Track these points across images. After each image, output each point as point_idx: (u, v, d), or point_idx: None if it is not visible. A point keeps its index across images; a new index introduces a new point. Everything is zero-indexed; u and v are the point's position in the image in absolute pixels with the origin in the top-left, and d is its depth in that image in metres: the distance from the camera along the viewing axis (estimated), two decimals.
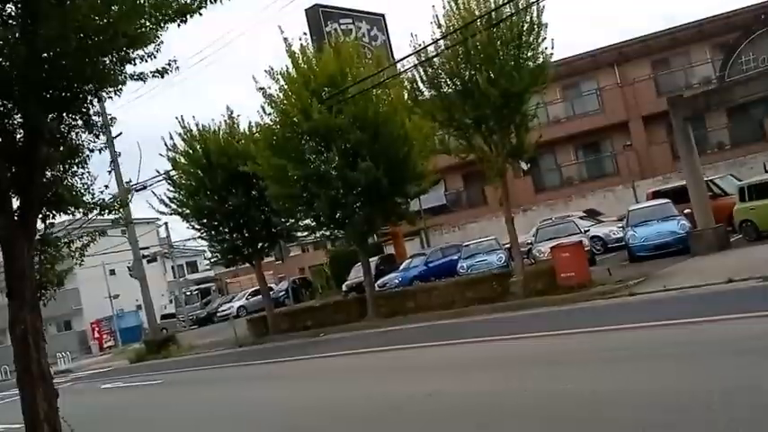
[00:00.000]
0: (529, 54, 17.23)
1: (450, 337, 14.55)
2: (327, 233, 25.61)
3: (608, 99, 35.37)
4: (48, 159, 6.18)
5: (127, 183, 7.11)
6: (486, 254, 24.34)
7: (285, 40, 21.11)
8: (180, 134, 24.81)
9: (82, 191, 6.59)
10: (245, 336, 27.20)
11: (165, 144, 24.89)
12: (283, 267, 49.87)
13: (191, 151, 24.75)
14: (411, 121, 20.05)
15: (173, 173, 25.33)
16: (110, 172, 6.65)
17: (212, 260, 30.28)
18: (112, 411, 16.08)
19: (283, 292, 39.63)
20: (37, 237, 6.49)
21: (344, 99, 19.87)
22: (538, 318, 14.87)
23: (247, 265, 50.72)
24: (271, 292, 42.98)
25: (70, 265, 7.38)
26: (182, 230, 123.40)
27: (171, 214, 25.77)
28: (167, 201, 25.40)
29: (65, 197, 6.34)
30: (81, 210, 6.64)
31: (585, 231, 23.60)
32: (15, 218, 6.20)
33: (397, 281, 26.16)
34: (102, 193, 6.71)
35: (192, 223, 26.31)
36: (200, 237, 27.19)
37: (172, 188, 25.39)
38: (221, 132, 24.84)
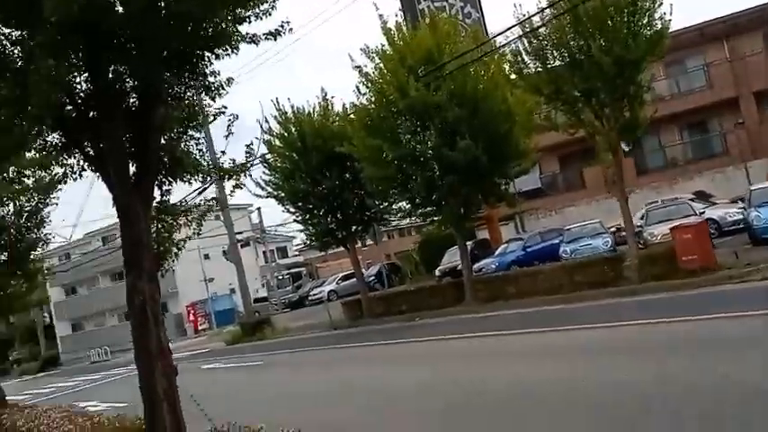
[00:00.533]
0: (644, 21, 15.98)
1: (557, 323, 13.69)
2: (422, 216, 25.05)
3: (716, 75, 33.10)
4: (164, 121, 5.80)
5: (248, 146, 6.61)
6: (590, 238, 23.08)
7: (380, 17, 20.60)
8: (275, 116, 24.75)
9: (197, 157, 6.21)
10: (339, 319, 27.06)
11: (261, 127, 24.90)
12: (370, 253, 49.85)
13: (285, 134, 24.66)
14: (513, 96, 19.13)
15: (268, 156, 25.31)
16: (226, 136, 6.22)
17: (307, 243, 30.19)
18: (220, 391, 15.93)
19: (373, 277, 39.36)
20: (153, 204, 6.14)
21: (442, 75, 19.17)
22: (657, 303, 13.78)
23: (337, 250, 51.05)
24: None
25: (188, 234, 7.06)
26: (273, 216, 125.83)
27: (267, 197, 25.81)
28: (263, 184, 25.45)
29: (183, 161, 5.97)
30: (199, 175, 6.27)
31: (700, 214, 21.98)
32: (132, 184, 5.86)
33: (493, 266, 25.27)
34: (219, 159, 6.31)
35: (287, 206, 26.29)
36: (294, 220, 27.13)
37: (267, 171, 25.40)
38: (316, 114, 24.60)
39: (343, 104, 24.49)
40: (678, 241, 15.92)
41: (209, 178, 6.51)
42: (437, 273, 29.35)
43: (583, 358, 9.95)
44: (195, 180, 6.40)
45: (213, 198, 7.26)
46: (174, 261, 6.51)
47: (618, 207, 17.93)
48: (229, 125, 6.42)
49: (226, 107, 6.61)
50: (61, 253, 52.10)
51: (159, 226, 6.23)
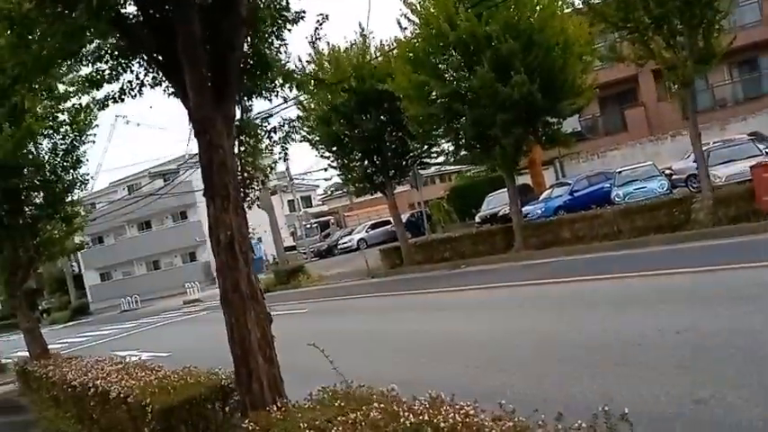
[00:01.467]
0: None
1: (629, 268, 12.65)
2: (461, 161, 23.94)
3: None
4: (252, 14, 4.73)
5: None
6: (644, 181, 21.90)
7: None
8: (309, 54, 23.47)
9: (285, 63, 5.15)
10: (376, 267, 26.26)
11: (295, 67, 23.60)
12: (397, 202, 48.95)
13: (321, 74, 23.38)
14: (571, 27, 17.75)
15: (302, 97, 24.12)
16: (313, 42, 5.17)
17: (329, 193, 29.21)
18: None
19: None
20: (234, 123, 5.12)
21: (494, 5, 17.80)
22: (736, 246, 12.67)
23: (363, 198, 50.10)
24: (389, 226, 42.26)
25: (274, 159, 6.07)
26: (296, 164, 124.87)
27: (301, 141, 24.71)
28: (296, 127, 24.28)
29: (272, 65, 4.91)
30: (287, 85, 5.22)
31: (766, 154, 20.64)
32: (211, 93, 4.83)
33: (539, 211, 24.15)
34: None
35: (322, 151, 25.21)
36: (329, 165, 26.05)
37: (301, 113, 24.23)
38: (353, 52, 23.27)
39: (381, 42, 23.23)
40: (758, 180, 14.71)
41: (294, 91, 5.45)
42: (477, 219, 28.32)
43: (674, 304, 8.93)
44: (281, 92, 5.35)
45: (298, 117, 6.21)
46: (260, 190, 5.53)
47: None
48: (317, 28, 5.34)
49: (305, 11, 5.53)
50: (87, 202, 51.70)
51: (241, 149, 5.22)
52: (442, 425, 3.26)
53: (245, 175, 5.26)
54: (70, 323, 46.39)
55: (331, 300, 20.87)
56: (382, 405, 3.72)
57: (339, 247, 43.57)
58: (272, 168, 5.87)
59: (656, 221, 16.56)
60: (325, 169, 71.56)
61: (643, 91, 35.23)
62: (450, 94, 19.33)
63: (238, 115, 5.26)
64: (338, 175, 26.88)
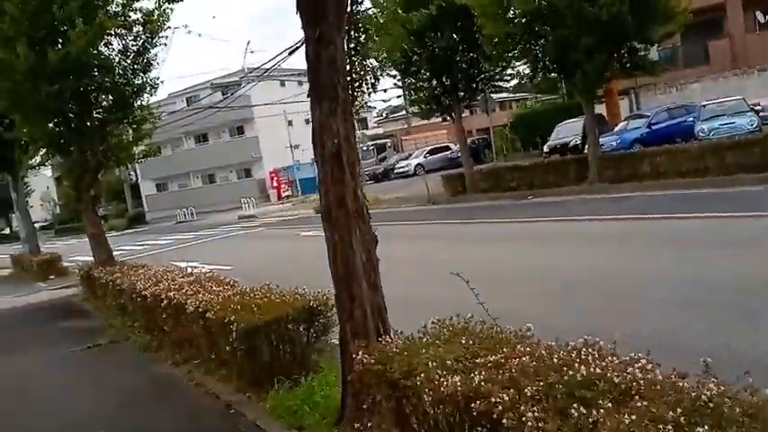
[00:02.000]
0: None
1: (720, 207, 11.73)
2: (538, 85, 22.73)
3: None
4: None
5: None
6: (731, 116, 20.47)
7: None
8: None
9: None
10: (437, 193, 25.61)
11: None
12: (454, 129, 47.65)
13: None
14: None
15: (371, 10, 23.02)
16: None
17: (402, 112, 28.31)
18: None
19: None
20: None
21: None
22: None
23: (421, 123, 48.98)
24: (448, 152, 41.38)
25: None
26: None
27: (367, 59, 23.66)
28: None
29: None
30: None
31: None
32: None
33: (614, 143, 22.95)
34: None
35: (388, 70, 24.21)
36: (395, 85, 25.10)
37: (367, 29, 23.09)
38: None
39: None
40: None
41: None
42: (545, 149, 27.24)
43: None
44: None
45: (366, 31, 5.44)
46: (369, 94, 4.91)
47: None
48: None
49: None
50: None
51: (351, 45, 4.55)
52: (616, 380, 2.67)
53: (354, 75, 4.61)
54: (127, 231, 47.41)
55: (392, 224, 20.37)
56: (528, 349, 3.14)
57: (395, 171, 42.94)
58: (381, 70, 5.20)
59: (746, 159, 15.41)
60: (385, 90, 70.39)
61: (730, 21, 32.85)
62: (531, 12, 18.09)
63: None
64: (404, 95, 25.90)
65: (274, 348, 5.57)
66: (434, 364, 3.18)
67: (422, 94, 24.19)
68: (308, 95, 4.39)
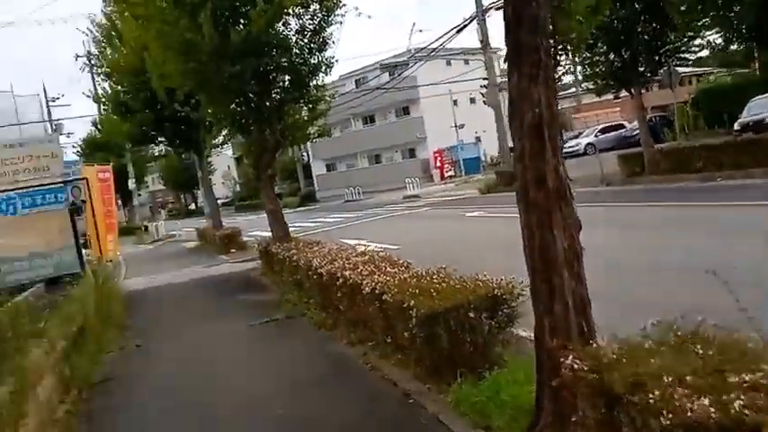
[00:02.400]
0: None
1: None
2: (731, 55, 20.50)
3: None
4: None
5: None
6: None
7: None
8: None
9: None
10: (612, 173, 24.09)
11: None
12: (627, 106, 44.71)
13: None
14: None
15: None
16: None
17: (584, 87, 26.82)
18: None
19: (638, 132, 35.06)
20: None
21: None
22: None
23: (593, 100, 46.47)
24: (622, 131, 38.95)
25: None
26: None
27: None
28: None
29: None
30: None
31: None
32: None
33: None
34: None
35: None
36: (570, 61, 23.72)
37: None
38: None
39: None
40: None
41: None
42: (736, 127, 24.66)
43: None
44: None
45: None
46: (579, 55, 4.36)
47: None
48: None
49: None
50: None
51: (554, 4, 4.00)
52: None
53: (556, 37, 4.07)
54: (300, 209, 49.56)
55: None
56: None
57: (564, 150, 40.73)
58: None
59: None
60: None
61: None
62: None
63: None
64: (576, 72, 24.52)
65: (455, 337, 5.21)
66: (669, 378, 2.63)
67: (598, 69, 22.73)
68: (505, 60, 3.93)
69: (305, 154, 61.21)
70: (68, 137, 54.23)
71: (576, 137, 42.56)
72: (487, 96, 30.85)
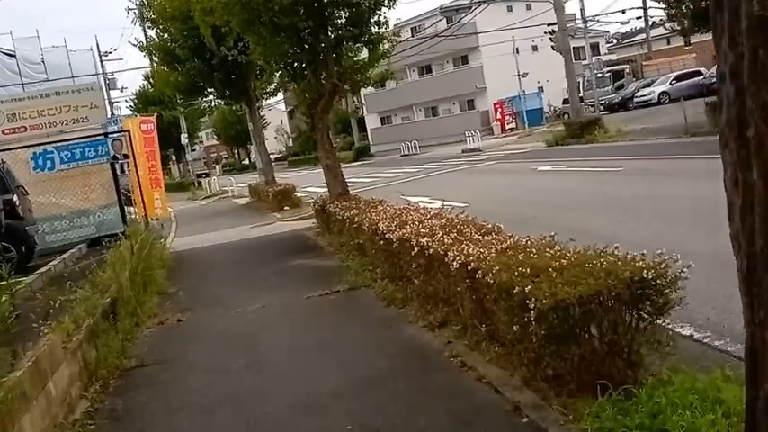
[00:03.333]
0: None
1: None
2: None
3: None
4: None
5: None
6: None
7: None
8: None
9: None
10: (696, 123, 21.98)
11: None
12: (704, 51, 41.53)
13: None
14: None
15: None
16: None
17: (668, 28, 24.40)
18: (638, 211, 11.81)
19: (716, 78, 32.29)
20: None
21: None
22: None
23: (663, 47, 43.46)
24: (699, 78, 36.14)
25: None
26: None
27: None
28: None
29: None
30: None
31: None
32: None
33: None
34: None
35: None
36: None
37: None
38: None
39: None
40: None
41: None
42: None
43: None
44: None
45: None
46: None
47: None
48: None
49: None
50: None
51: None
52: None
53: None
54: (354, 163, 48.30)
55: (647, 158, 17.54)
56: None
57: (635, 100, 38.76)
58: None
59: None
60: (623, 11, 64.14)
61: None
62: None
63: None
64: (665, 8, 22.20)
65: (587, 335, 3.81)
66: None
67: (684, 7, 20.46)
68: None
69: (360, 106, 59.75)
70: (122, 91, 54.03)
71: (649, 85, 39.90)
72: (557, 41, 28.62)
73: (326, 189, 12.29)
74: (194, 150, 64.91)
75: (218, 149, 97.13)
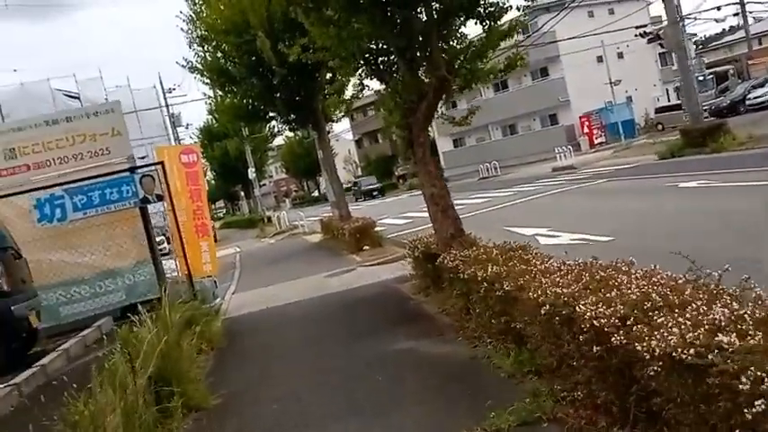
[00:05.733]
0: None
1: None
2: None
3: None
4: None
5: None
6: None
7: None
8: None
9: None
10: None
11: None
12: None
13: None
14: None
15: None
16: None
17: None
18: None
19: None
20: None
21: None
22: None
23: (758, 47, 38.63)
24: None
25: None
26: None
27: None
28: None
29: None
30: None
31: None
32: None
33: None
34: None
35: None
36: None
37: None
38: None
39: None
40: None
41: None
42: None
43: None
44: None
45: None
46: None
47: None
48: None
49: None
50: None
51: None
52: None
53: None
54: None
55: None
56: None
57: (747, 102, 34.14)
58: None
59: None
60: (719, 8, 58.86)
61: None
62: None
63: None
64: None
65: None
66: None
67: None
68: None
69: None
70: (186, 128, 52.44)
71: (762, 85, 35.14)
72: (667, 36, 24.58)
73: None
74: (263, 185, 62.99)
75: (287, 183, 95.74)
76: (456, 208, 8.63)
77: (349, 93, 17.03)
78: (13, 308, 7.10)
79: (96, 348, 7.35)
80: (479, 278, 5.90)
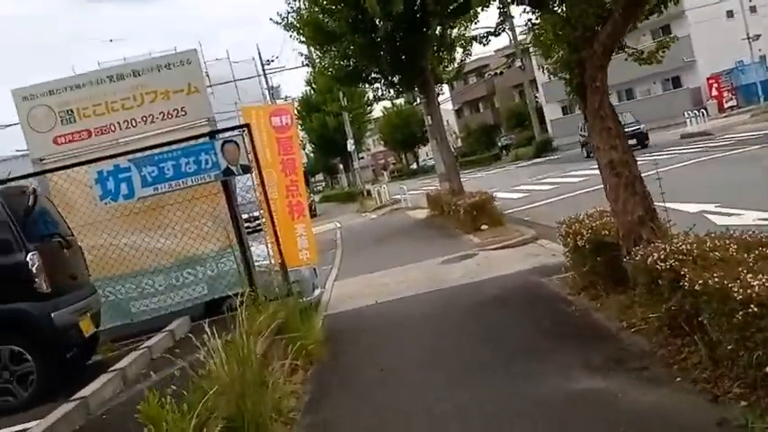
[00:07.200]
0: None
1: None
2: None
3: None
4: None
5: None
6: None
7: None
8: None
9: None
10: None
11: None
12: None
13: None
14: None
15: None
16: None
17: None
18: None
19: None
20: None
21: None
22: None
23: None
24: None
25: None
26: None
27: None
28: None
29: None
30: None
31: None
32: None
33: None
34: None
35: None
36: None
37: None
38: None
39: None
40: None
41: None
42: None
43: None
44: None
45: None
46: None
47: None
48: None
49: None
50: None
51: None
52: None
53: None
54: (537, 160, 41.85)
55: None
56: None
57: None
58: None
59: None
60: None
61: None
62: None
63: None
64: None
65: None
66: None
67: None
68: None
69: (538, 96, 53.17)
70: (285, 100, 51.43)
71: None
72: None
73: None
74: (362, 158, 61.53)
75: (385, 155, 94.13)
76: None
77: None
78: (53, 314, 5.42)
79: (162, 365, 5.55)
80: (736, 297, 3.61)
